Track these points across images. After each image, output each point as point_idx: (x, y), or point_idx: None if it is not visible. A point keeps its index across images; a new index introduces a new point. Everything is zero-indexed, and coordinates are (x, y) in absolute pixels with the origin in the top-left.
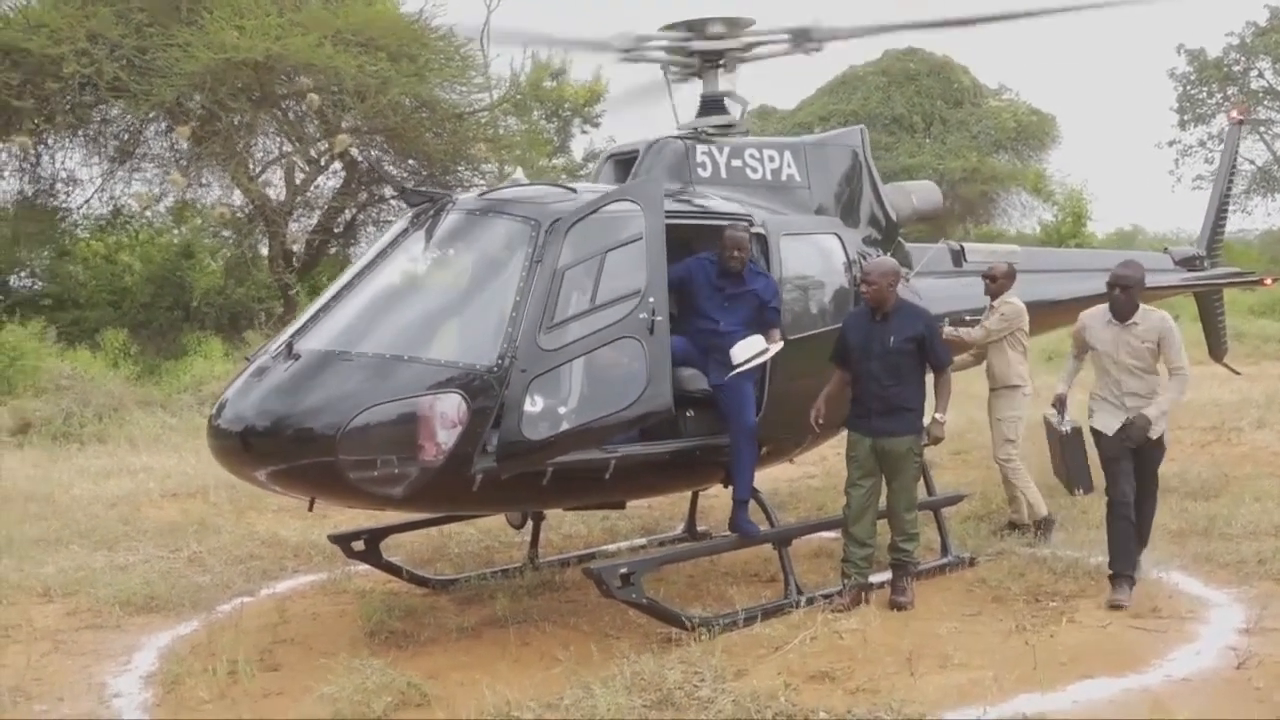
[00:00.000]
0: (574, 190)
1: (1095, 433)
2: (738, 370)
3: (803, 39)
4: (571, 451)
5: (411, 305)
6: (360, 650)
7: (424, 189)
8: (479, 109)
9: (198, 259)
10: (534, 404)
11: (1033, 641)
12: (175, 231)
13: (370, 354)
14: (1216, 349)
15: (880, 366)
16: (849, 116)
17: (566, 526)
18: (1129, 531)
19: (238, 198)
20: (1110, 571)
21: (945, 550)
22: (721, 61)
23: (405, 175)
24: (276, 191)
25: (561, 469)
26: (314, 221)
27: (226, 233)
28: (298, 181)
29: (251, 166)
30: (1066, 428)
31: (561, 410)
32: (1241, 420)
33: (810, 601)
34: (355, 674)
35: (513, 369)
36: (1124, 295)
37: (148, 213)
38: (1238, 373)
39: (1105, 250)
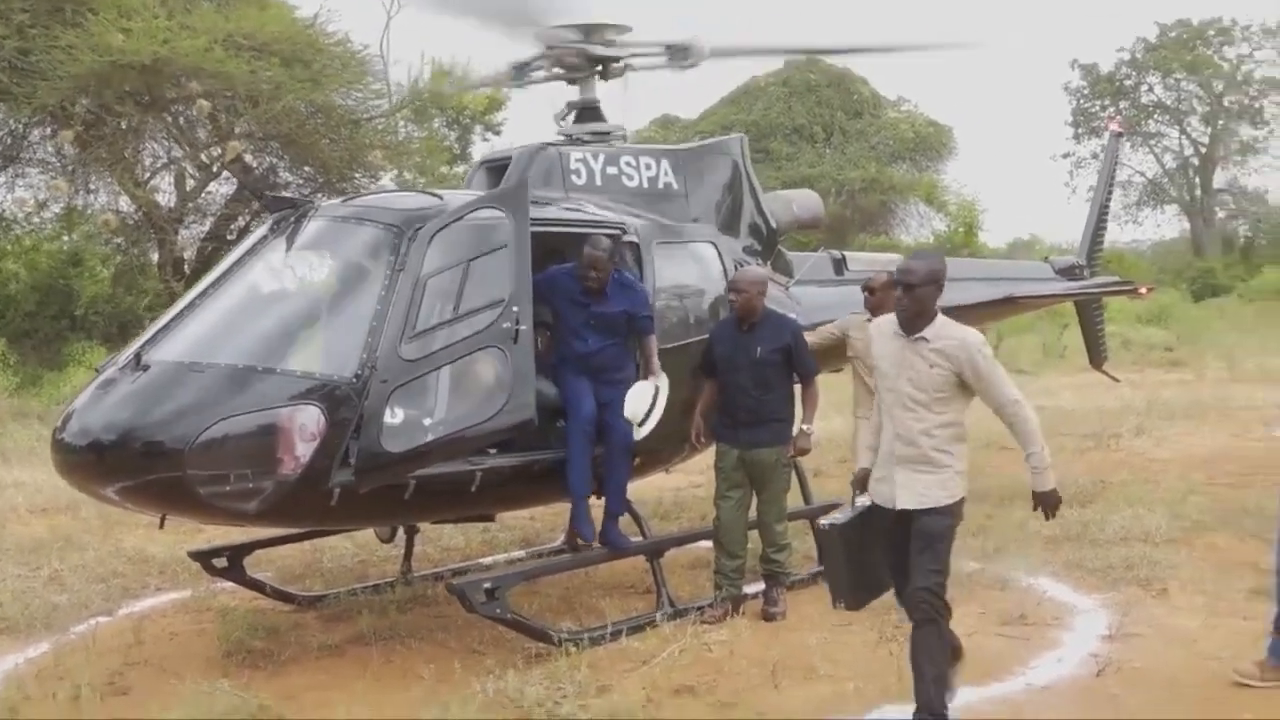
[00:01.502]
0: (440, 197)
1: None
2: (641, 427)
3: (680, 55)
4: (433, 465)
5: (269, 314)
6: (215, 671)
7: (285, 195)
8: (376, 115)
9: (87, 266)
10: (394, 416)
11: (897, 652)
12: (65, 239)
13: (223, 365)
14: (1096, 357)
15: (747, 377)
16: (750, 126)
17: (445, 539)
18: (932, 642)
19: (127, 204)
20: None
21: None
22: (598, 68)
23: (301, 182)
24: (167, 198)
25: (424, 482)
26: (206, 229)
27: (119, 240)
28: (189, 188)
29: (140, 172)
30: (827, 523)
31: (423, 422)
32: (1121, 427)
33: (682, 614)
34: (203, 697)
35: (373, 380)
36: (906, 296)
37: (35, 219)
38: (1117, 380)
39: (995, 260)
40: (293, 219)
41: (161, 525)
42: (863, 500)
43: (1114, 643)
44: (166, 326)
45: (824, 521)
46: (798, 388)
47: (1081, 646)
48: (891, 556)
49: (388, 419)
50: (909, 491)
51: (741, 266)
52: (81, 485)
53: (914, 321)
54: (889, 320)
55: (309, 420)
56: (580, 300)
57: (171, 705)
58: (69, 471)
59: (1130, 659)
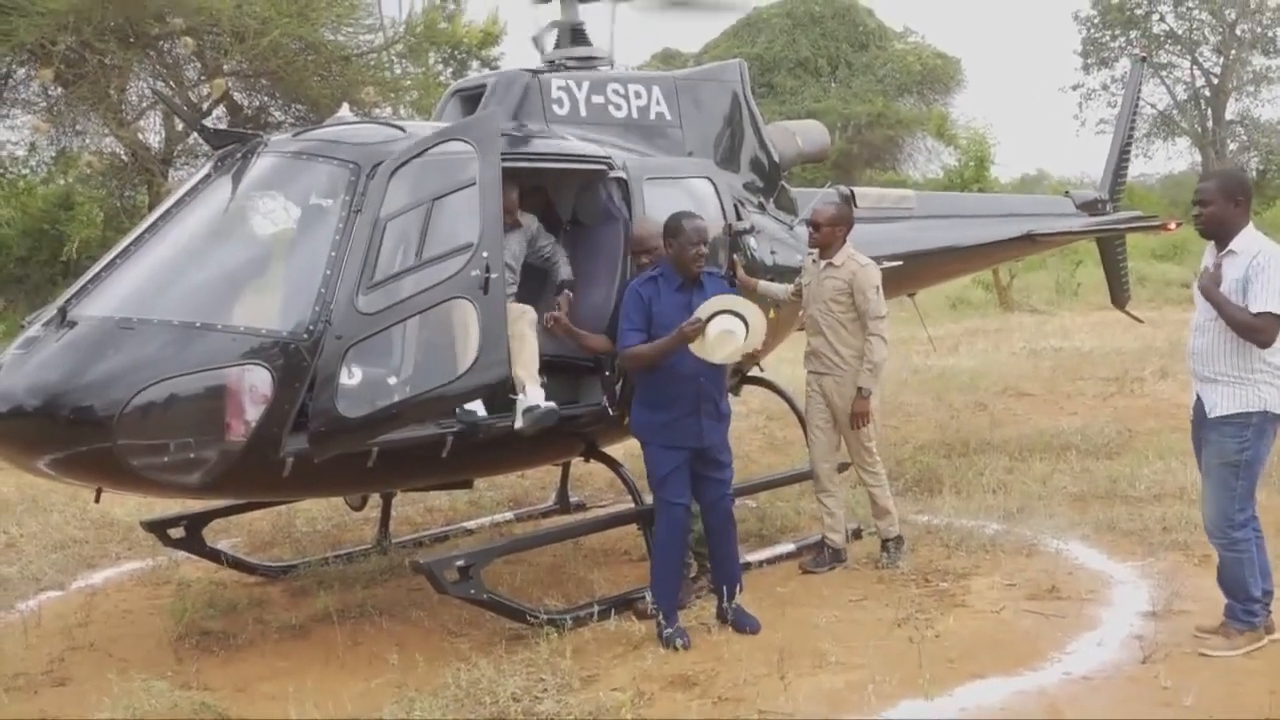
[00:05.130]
0: (403, 129)
1: None
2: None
3: None
4: (395, 430)
5: (210, 264)
6: (164, 658)
7: (228, 129)
8: (368, 51)
9: (81, 210)
10: (351, 376)
11: (917, 638)
12: (60, 181)
13: (158, 321)
14: (1119, 295)
15: None
16: (754, 60)
17: (429, 499)
18: None
19: (115, 145)
20: None
21: None
22: None
23: (291, 121)
24: (158, 139)
25: (390, 449)
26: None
27: (114, 182)
28: (179, 127)
29: (127, 112)
30: None
31: (383, 383)
32: (1144, 370)
33: None
34: (138, 696)
35: (327, 336)
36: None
37: (31, 161)
38: (1140, 320)
39: (1012, 196)
40: (238, 156)
41: (97, 499)
42: None
43: (1159, 621)
44: (96, 278)
45: None
46: None
47: (1123, 626)
48: None
49: (344, 380)
50: None
51: (743, 204)
52: (7, 459)
53: None
54: None
55: (256, 382)
56: (680, 299)
57: (104, 703)
58: None
59: (1180, 642)
